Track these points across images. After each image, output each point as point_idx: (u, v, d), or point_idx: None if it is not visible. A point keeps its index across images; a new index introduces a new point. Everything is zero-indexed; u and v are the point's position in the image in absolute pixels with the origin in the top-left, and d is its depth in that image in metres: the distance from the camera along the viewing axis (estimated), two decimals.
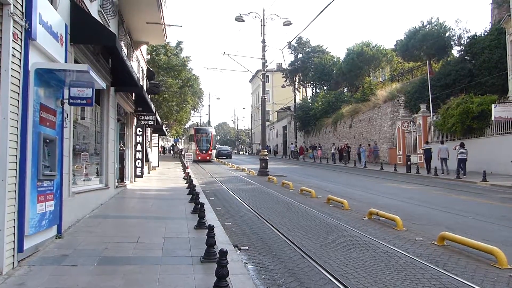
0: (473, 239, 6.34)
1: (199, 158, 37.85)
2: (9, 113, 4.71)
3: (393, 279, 5.09)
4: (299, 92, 58.29)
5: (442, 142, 21.38)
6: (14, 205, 4.88)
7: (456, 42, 30.94)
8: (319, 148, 41.31)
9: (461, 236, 6.53)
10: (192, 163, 29.81)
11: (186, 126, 54.84)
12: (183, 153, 39.15)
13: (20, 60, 4.99)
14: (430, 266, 5.55)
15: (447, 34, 30.91)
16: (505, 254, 5.63)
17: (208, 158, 38.70)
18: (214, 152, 41.84)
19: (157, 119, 19.40)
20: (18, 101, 4.96)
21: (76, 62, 7.58)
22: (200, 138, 39.08)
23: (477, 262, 5.78)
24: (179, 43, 36.34)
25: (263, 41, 23.53)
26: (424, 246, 6.65)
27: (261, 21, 23.16)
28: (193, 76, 38.95)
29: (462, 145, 19.01)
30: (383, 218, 8.66)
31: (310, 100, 50.70)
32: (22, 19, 4.99)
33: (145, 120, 17.82)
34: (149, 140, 24.52)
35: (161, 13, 13.80)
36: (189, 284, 4.51)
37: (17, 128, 4.95)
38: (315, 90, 55.46)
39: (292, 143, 54.03)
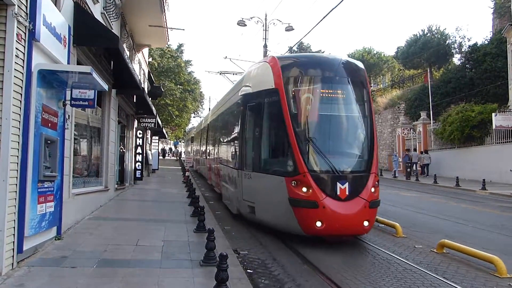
0: (473, 247, 6.32)
1: (333, 224, 6.54)
2: (11, 114, 4.70)
3: (393, 286, 5.07)
4: None
5: (414, 149, 25.30)
6: (15, 205, 4.87)
7: (457, 50, 31.09)
8: None
9: (460, 244, 6.51)
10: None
11: (186, 130, 53.52)
12: (183, 157, 37.25)
13: (23, 60, 4.99)
14: (429, 273, 5.53)
15: (447, 42, 31.05)
16: (505, 263, 5.61)
17: (366, 224, 6.78)
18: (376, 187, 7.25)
19: (157, 121, 19.39)
20: (20, 101, 4.95)
21: (78, 63, 7.61)
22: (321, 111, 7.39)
23: (476, 271, 5.77)
24: (180, 45, 36.10)
25: (265, 46, 23.55)
26: (424, 254, 6.63)
27: (263, 26, 23.20)
28: (193, 79, 38.53)
29: (426, 152, 22.97)
30: (383, 225, 8.64)
31: None
32: (26, 20, 5.00)
33: (146, 122, 17.83)
34: (149, 142, 24.52)
35: (164, 16, 13.86)
36: None
37: (19, 128, 4.94)
38: None
39: None
